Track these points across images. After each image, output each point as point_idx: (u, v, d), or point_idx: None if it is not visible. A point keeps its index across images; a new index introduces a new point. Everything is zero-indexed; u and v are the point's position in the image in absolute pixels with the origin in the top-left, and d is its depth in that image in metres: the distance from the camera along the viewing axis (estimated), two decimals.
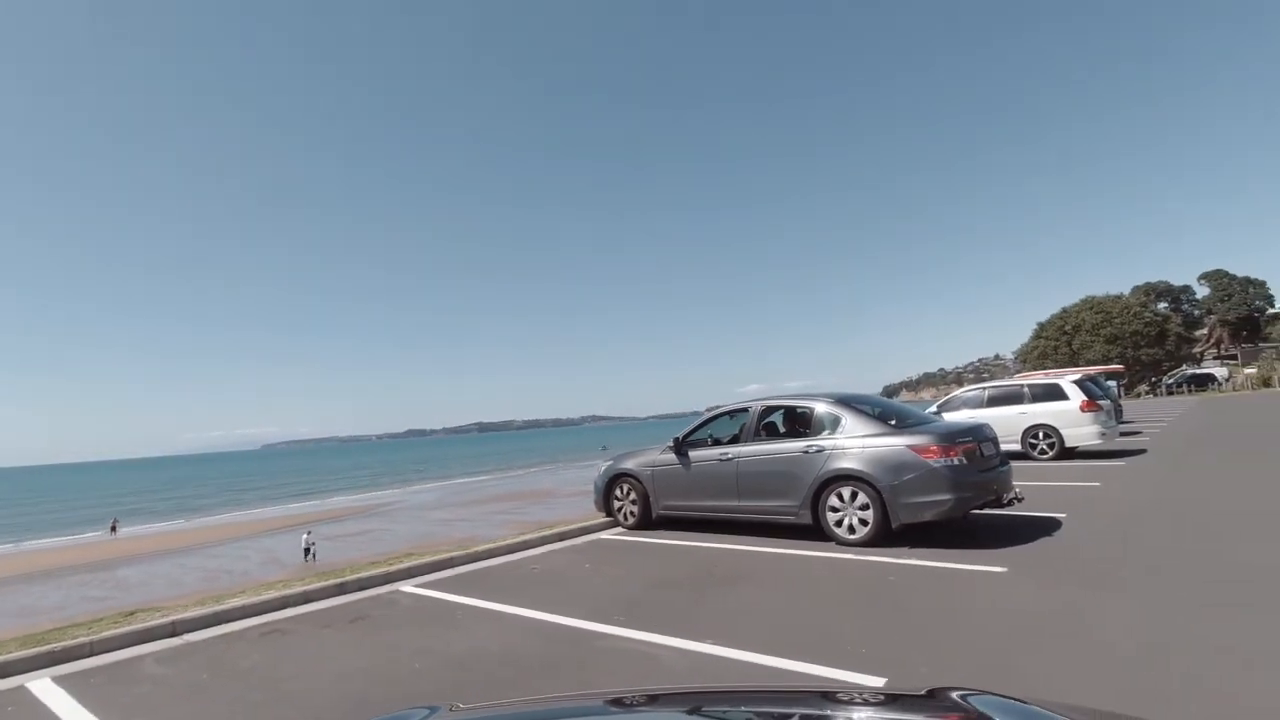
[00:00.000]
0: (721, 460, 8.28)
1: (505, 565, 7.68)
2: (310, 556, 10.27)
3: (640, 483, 9.08)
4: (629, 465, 9.31)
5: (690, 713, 1.42)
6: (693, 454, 8.62)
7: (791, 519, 7.67)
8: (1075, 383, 13.48)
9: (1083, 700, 3.22)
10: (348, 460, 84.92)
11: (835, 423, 7.58)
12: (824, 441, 7.52)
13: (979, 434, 7.39)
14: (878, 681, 3.68)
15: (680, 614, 5.31)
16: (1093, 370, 25.77)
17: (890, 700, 1.46)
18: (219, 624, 5.91)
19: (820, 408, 7.82)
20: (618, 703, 1.54)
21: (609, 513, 9.54)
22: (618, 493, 9.41)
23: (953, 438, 7.00)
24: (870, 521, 7.07)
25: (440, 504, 20.53)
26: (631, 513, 9.20)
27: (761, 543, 7.70)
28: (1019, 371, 48.69)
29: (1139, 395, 53.73)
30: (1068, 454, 13.23)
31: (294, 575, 7.95)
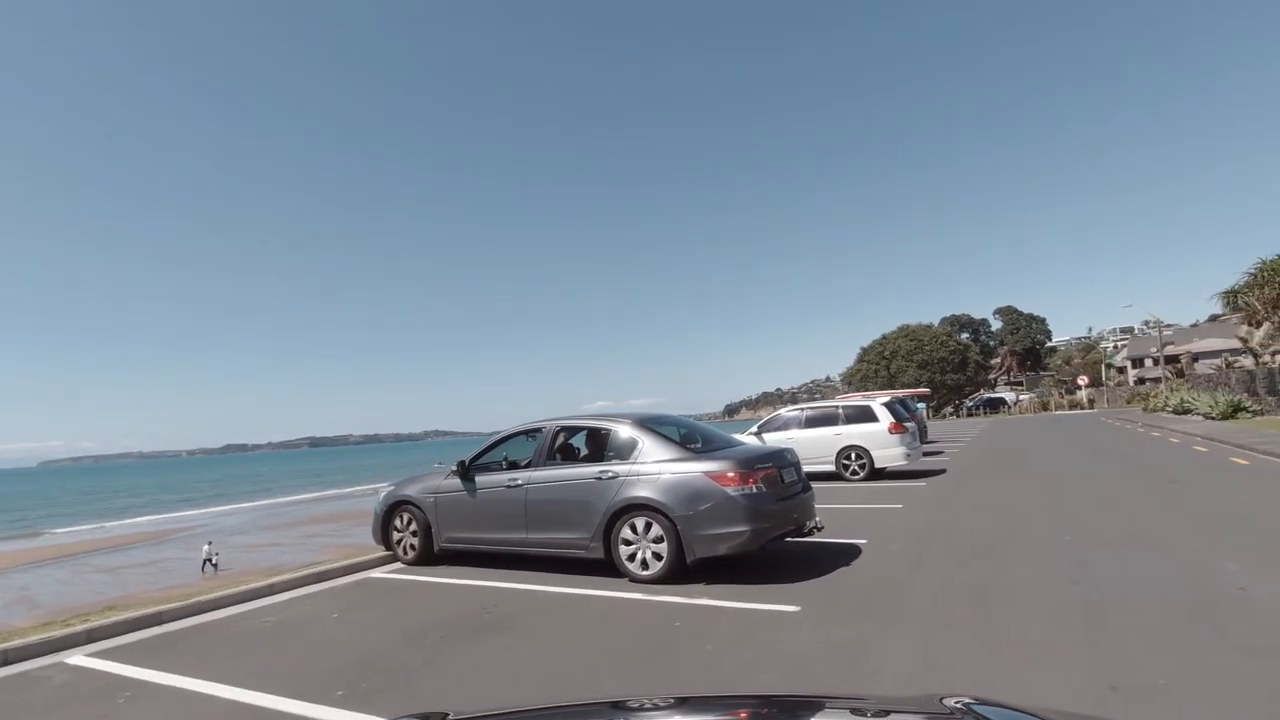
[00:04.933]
0: (509, 487, 7.36)
1: (232, 619, 6.28)
2: None
3: (422, 511, 7.96)
4: (410, 492, 8.16)
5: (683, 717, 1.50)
6: (480, 479, 7.63)
7: (582, 553, 6.89)
8: (885, 405, 13.87)
9: None
10: (152, 478, 74.96)
11: (632, 446, 6.90)
12: (618, 467, 6.81)
13: (780, 459, 6.99)
14: None
15: (419, 679, 4.33)
16: (904, 393, 27.54)
17: (895, 708, 1.47)
18: None
19: (617, 430, 7.12)
20: (621, 708, 1.58)
21: (387, 545, 8.31)
22: (397, 523, 8.21)
23: (752, 464, 6.52)
24: (665, 556, 6.43)
25: (250, 527, 18.19)
26: (411, 546, 8.04)
27: (550, 580, 6.86)
28: (845, 393, 51.82)
29: (944, 416, 58.89)
30: (877, 474, 13.54)
31: None
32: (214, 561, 9.71)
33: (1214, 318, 78.39)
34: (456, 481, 7.74)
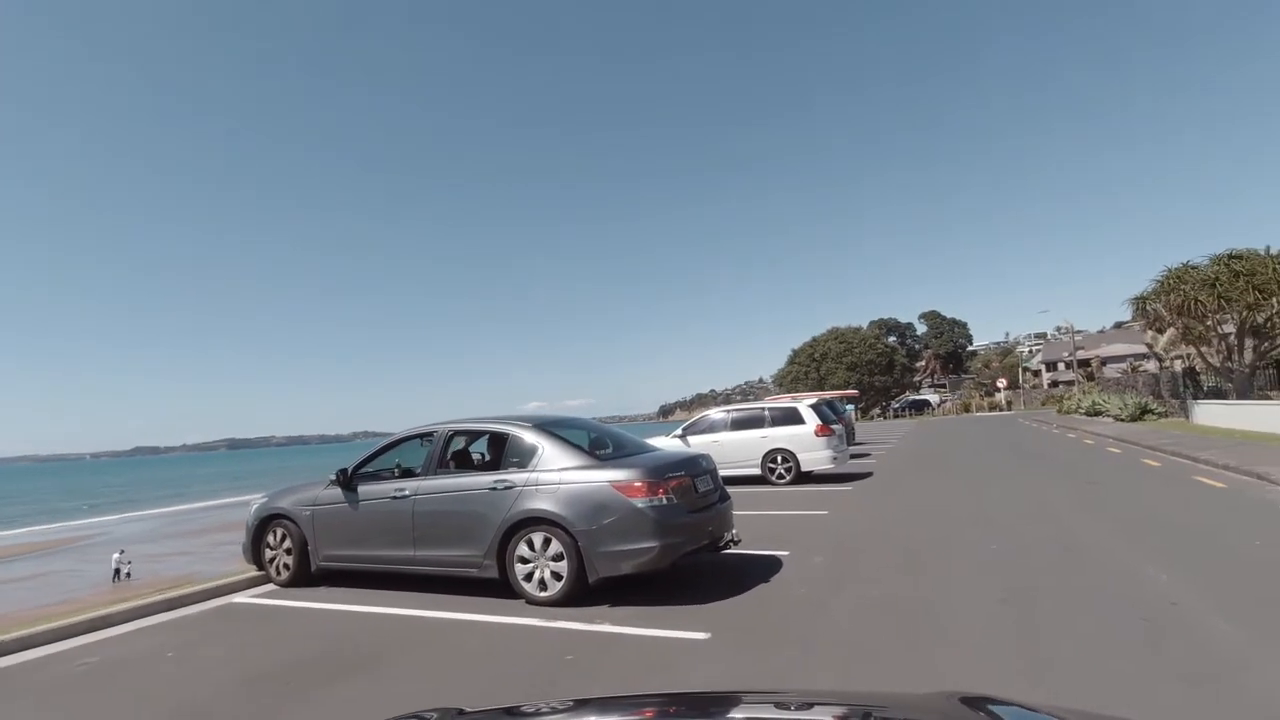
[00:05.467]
0: (395, 498, 6.54)
1: (42, 662, 5.28)
2: None
3: (298, 526, 7.05)
4: (284, 504, 7.23)
5: (703, 716, 1.46)
6: (363, 489, 6.78)
7: (474, 572, 6.14)
8: (811, 407, 13.53)
9: None
10: (49, 483, 69.33)
11: (531, 453, 6.19)
12: (515, 476, 6.09)
13: (694, 466, 6.39)
14: None
15: None
16: (832, 394, 27.60)
17: (908, 705, 1.52)
18: None
19: (515, 434, 6.40)
20: (626, 706, 1.57)
21: (259, 565, 7.36)
22: (270, 539, 7.27)
23: (662, 472, 5.90)
24: (565, 575, 5.74)
25: (156, 534, 16.61)
26: (285, 565, 7.12)
27: (437, 603, 6.10)
28: (777, 395, 52.16)
29: (872, 418, 60.05)
30: (804, 478, 13.17)
31: None
32: (126, 571, 8.62)
33: (1120, 324, 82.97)
34: (337, 492, 6.86)
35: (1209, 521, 7.81)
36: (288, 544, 7.10)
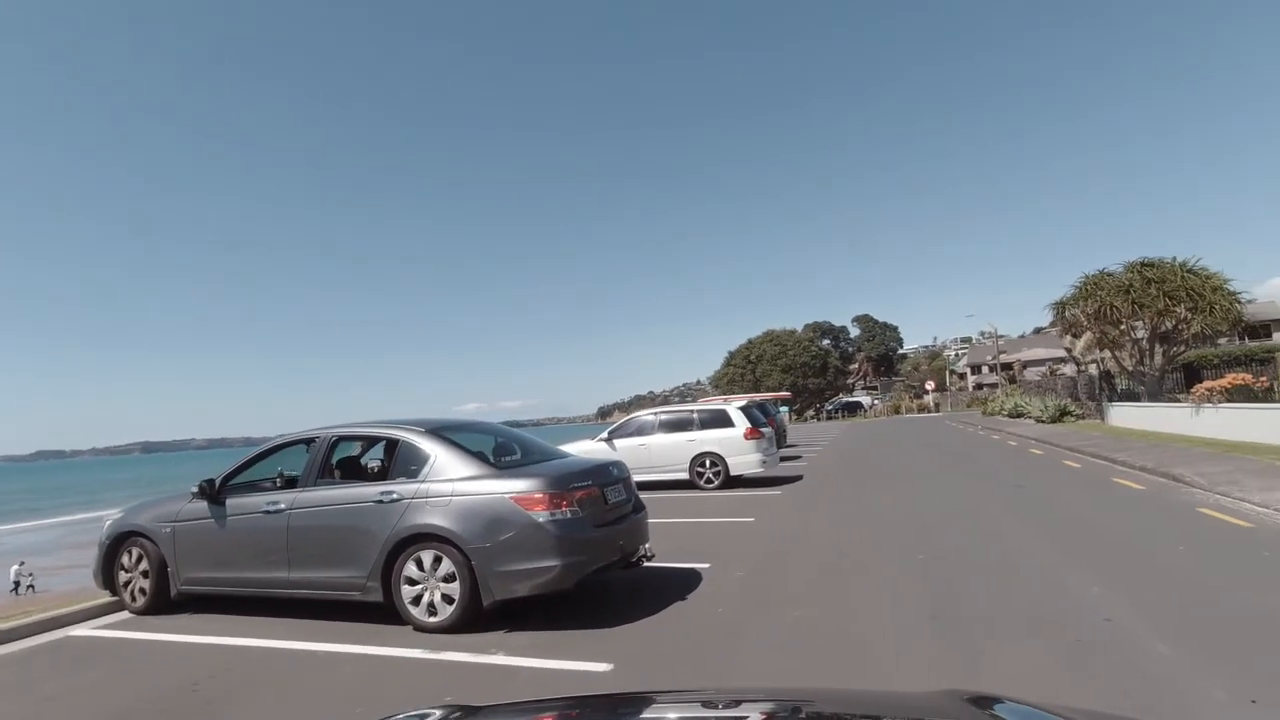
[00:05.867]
0: (269, 512, 5.77)
1: None
2: None
3: (156, 545, 6.19)
4: (142, 520, 6.35)
5: (706, 714, 1.46)
6: (233, 503, 5.99)
7: (357, 595, 5.44)
8: (741, 409, 13.18)
9: None
10: None
11: (423, 461, 5.52)
12: (404, 487, 5.42)
13: (603, 475, 5.83)
14: None
15: None
16: (765, 396, 27.55)
17: (916, 704, 1.47)
18: None
19: (405, 440, 5.71)
20: (631, 703, 1.60)
21: (111, 589, 6.46)
22: (125, 560, 6.37)
23: (566, 482, 5.33)
24: (456, 598, 5.11)
25: (55, 545, 15.12)
26: (141, 590, 6.25)
27: (313, 631, 5.38)
28: (714, 396, 52.17)
29: (806, 419, 60.86)
30: (734, 482, 12.78)
31: None
32: (30, 584, 7.73)
33: (1039, 330, 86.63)
34: (202, 506, 6.04)
35: (1132, 526, 7.71)
36: (144, 565, 6.22)
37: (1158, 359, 22.43)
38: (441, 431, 5.73)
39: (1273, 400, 15.47)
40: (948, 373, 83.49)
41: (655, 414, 13.78)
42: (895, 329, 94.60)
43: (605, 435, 13.62)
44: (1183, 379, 22.82)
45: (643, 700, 1.59)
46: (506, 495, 5.15)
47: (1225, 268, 21.35)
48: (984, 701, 1.28)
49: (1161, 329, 22.13)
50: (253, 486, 6.22)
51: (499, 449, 6.40)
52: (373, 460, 6.59)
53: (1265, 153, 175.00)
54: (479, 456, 5.66)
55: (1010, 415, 31.08)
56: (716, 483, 12.66)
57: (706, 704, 1.56)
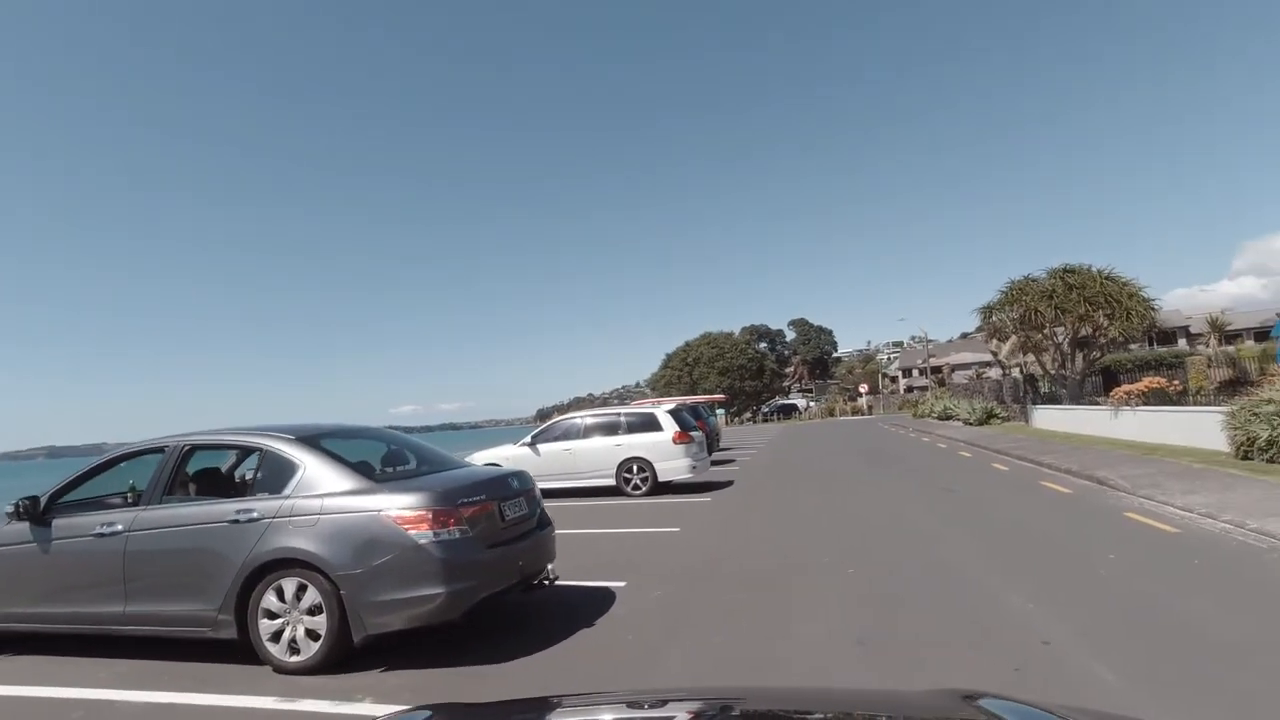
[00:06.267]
0: (102, 535, 4.90)
1: None
2: None
3: None
4: None
5: (699, 715, 1.43)
6: (61, 524, 5.09)
7: (207, 632, 4.66)
8: (670, 413, 12.68)
9: None
10: None
11: (289, 473, 4.77)
12: (265, 504, 4.66)
13: (500, 488, 5.17)
14: None
15: None
16: (699, 399, 27.24)
17: (914, 702, 1.49)
18: None
19: (270, 449, 4.95)
20: (629, 704, 1.58)
21: None
22: None
23: (454, 497, 4.66)
24: (323, 634, 4.39)
25: None
26: None
27: (152, 676, 4.58)
28: (653, 399, 51.80)
29: (742, 422, 61.17)
30: (662, 489, 12.24)
31: None
32: None
33: (965, 335, 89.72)
34: (22, 529, 5.12)
35: (1062, 533, 7.51)
36: None
37: (1078, 363, 23.05)
38: (314, 439, 4.99)
39: (1185, 403, 15.91)
40: (880, 376, 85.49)
41: (581, 417, 13.15)
42: (830, 333, 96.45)
43: (529, 440, 12.92)
44: (1101, 382, 23.52)
45: (648, 698, 1.60)
46: (383, 513, 4.46)
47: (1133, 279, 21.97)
48: (980, 698, 1.30)
49: (1082, 334, 22.74)
50: (88, 504, 5.34)
51: (390, 458, 5.71)
52: (227, 472, 5.78)
53: (1172, 171, 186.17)
54: (359, 468, 4.95)
55: (940, 417, 31.65)
56: (644, 489, 12.10)
57: (696, 702, 1.55)
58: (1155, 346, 39.91)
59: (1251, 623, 4.42)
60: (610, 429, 12.64)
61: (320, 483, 4.67)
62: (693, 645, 4.66)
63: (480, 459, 13.13)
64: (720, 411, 61.57)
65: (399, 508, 4.47)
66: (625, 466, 12.26)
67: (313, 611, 4.42)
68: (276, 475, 4.82)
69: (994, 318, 25.32)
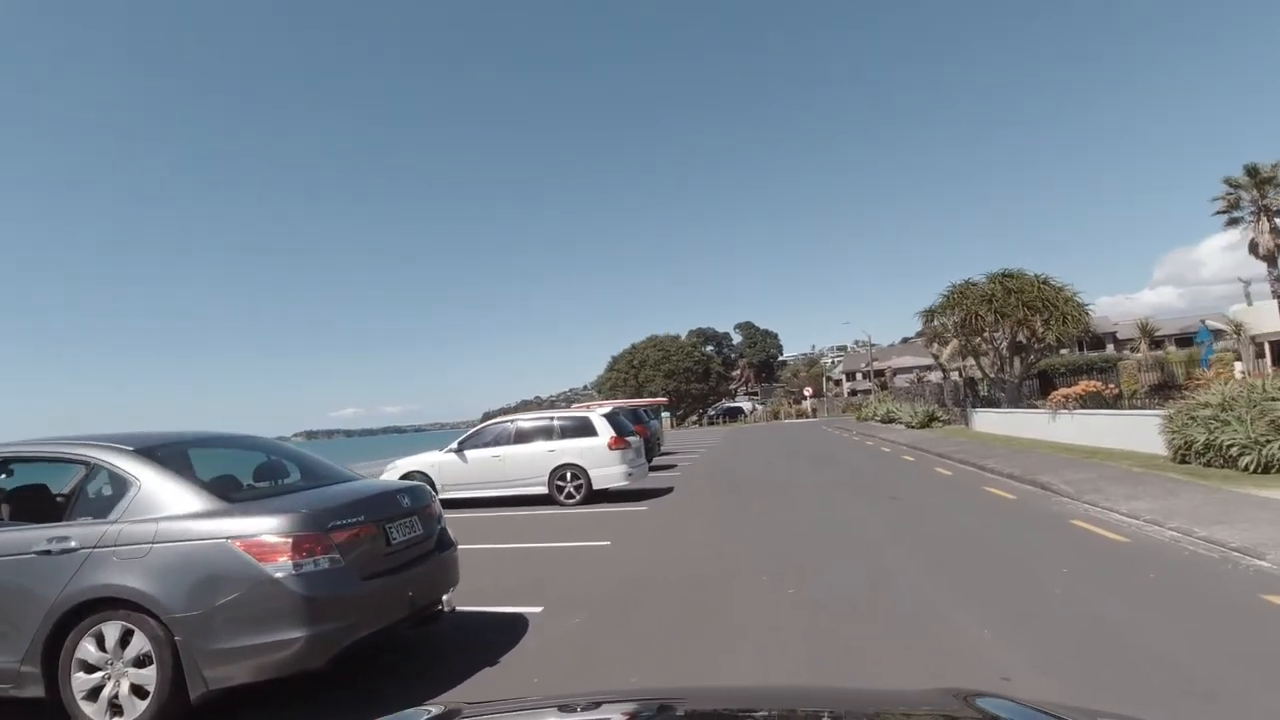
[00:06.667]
0: None
1: None
2: None
3: None
4: None
5: (696, 715, 1.45)
6: None
7: (9, 689, 3.79)
8: (606, 417, 12.01)
9: None
10: None
11: (121, 493, 3.94)
12: (85, 530, 3.82)
13: (385, 506, 4.41)
14: None
15: None
16: (641, 402, 26.66)
17: (907, 700, 1.54)
18: None
19: (99, 463, 4.09)
20: (627, 703, 1.59)
21: None
22: None
23: (322, 520, 3.90)
24: (153, 691, 3.58)
25: None
26: None
27: None
28: (586, 403, 51.01)
29: (688, 425, 60.93)
30: (597, 497, 11.57)
31: None
32: None
33: (906, 339, 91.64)
34: None
35: (1011, 544, 7.14)
36: None
37: (1016, 367, 23.28)
38: (154, 451, 4.15)
39: (1121, 407, 16.03)
40: (825, 379, 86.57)
41: (512, 421, 12.37)
42: (776, 336, 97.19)
43: (455, 446, 12.09)
44: (1038, 386, 23.84)
45: (647, 696, 1.61)
46: (231, 540, 3.68)
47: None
48: (978, 697, 1.32)
49: (1020, 338, 22.98)
50: None
51: (265, 472, 4.90)
52: (46, 490, 4.86)
53: (1099, 185, 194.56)
54: (213, 485, 4.14)
55: (882, 420, 31.79)
56: (578, 497, 11.41)
57: (696, 701, 1.58)
58: (1085, 351, 41.17)
59: (1230, 653, 3.98)
60: (543, 434, 11.90)
61: (158, 504, 3.85)
62: (607, 686, 4.01)
63: (402, 467, 12.26)
64: (665, 414, 61.33)
65: (250, 533, 3.69)
66: (558, 474, 11.54)
67: (140, 663, 3.61)
68: (104, 496, 3.99)
69: (936, 321, 25.44)
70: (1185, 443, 11.08)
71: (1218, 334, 27.38)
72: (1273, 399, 9.97)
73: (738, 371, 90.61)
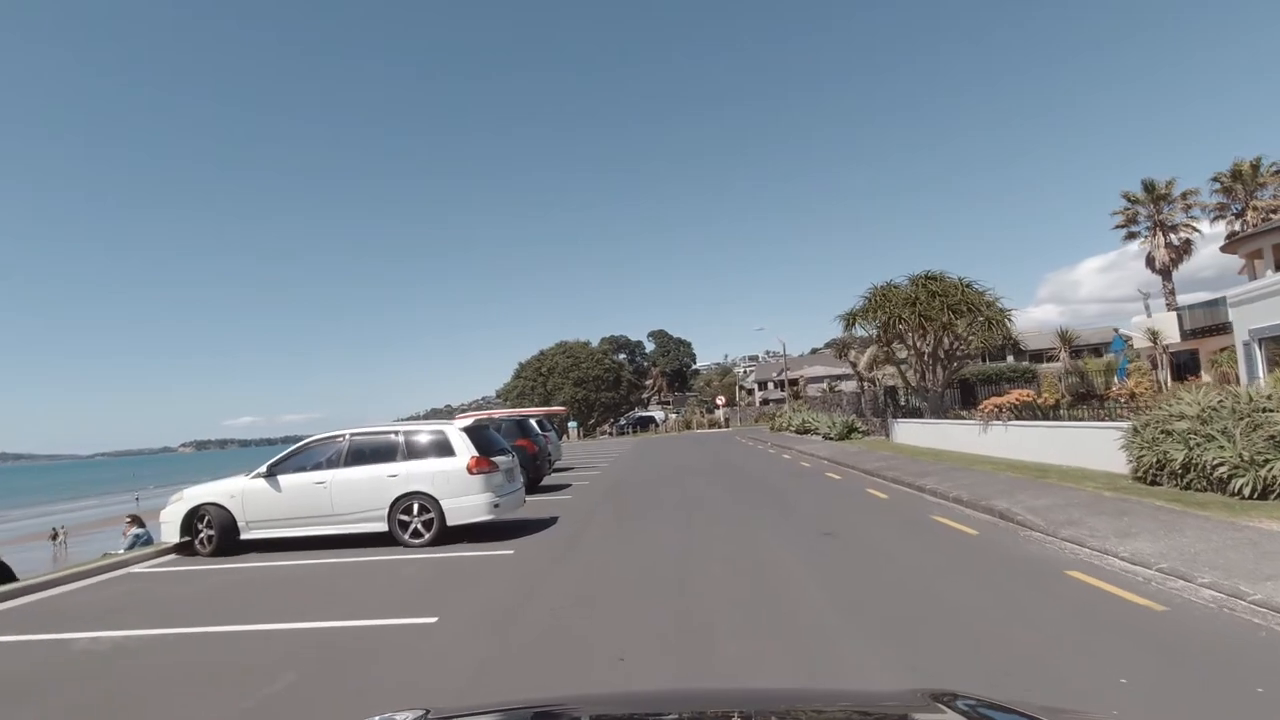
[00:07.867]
0: None
1: None
2: None
3: None
4: None
5: (668, 716, 1.45)
6: None
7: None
8: (467, 430, 9.21)
9: None
10: None
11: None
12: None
13: None
14: None
15: None
16: (535, 412, 23.85)
17: (879, 700, 1.55)
18: None
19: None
20: (601, 704, 1.69)
21: None
22: None
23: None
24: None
25: None
26: None
27: None
28: (492, 410, 47.72)
29: (597, 435, 58.39)
30: (452, 535, 8.80)
31: None
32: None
33: (815, 350, 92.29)
34: None
35: (994, 606, 5.02)
36: None
37: (939, 374, 21.98)
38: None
39: (1059, 418, 14.59)
40: (737, 388, 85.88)
41: (344, 437, 9.36)
42: (689, 345, 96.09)
43: (265, 469, 9.09)
44: (959, 395, 22.62)
45: (633, 699, 1.74)
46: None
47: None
48: (948, 698, 1.30)
49: (943, 344, 21.71)
50: None
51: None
52: None
53: (990, 204, 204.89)
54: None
55: (798, 431, 30.28)
56: (427, 536, 8.56)
57: (683, 703, 1.57)
58: (989, 361, 41.18)
59: None
60: (384, 453, 8.98)
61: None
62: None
63: (192, 499, 9.18)
64: (573, 424, 58.57)
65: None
66: (402, 505, 8.65)
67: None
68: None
69: (857, 324, 23.95)
70: (1157, 461, 9.44)
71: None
72: (1267, 409, 8.37)
73: (650, 380, 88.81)
